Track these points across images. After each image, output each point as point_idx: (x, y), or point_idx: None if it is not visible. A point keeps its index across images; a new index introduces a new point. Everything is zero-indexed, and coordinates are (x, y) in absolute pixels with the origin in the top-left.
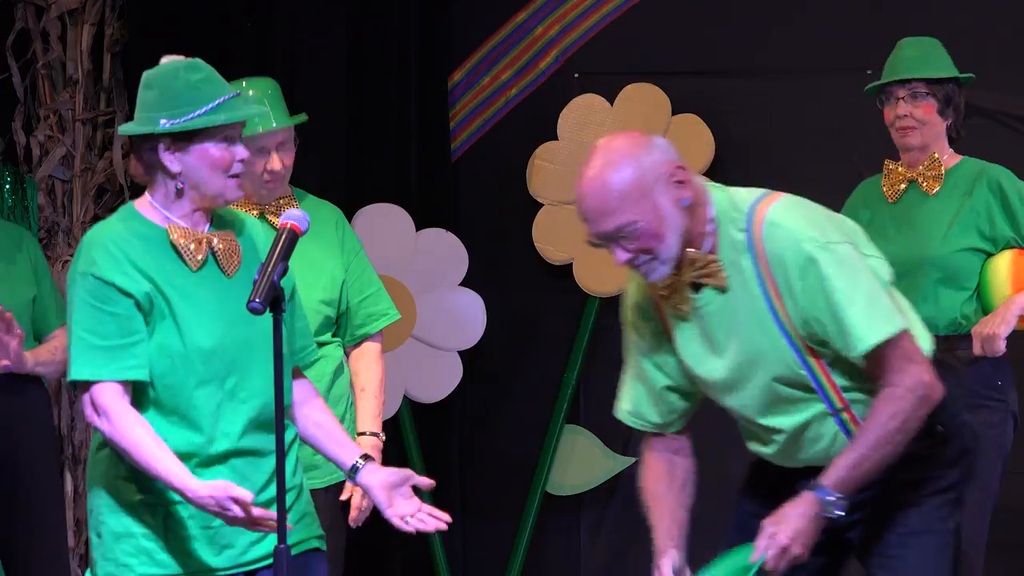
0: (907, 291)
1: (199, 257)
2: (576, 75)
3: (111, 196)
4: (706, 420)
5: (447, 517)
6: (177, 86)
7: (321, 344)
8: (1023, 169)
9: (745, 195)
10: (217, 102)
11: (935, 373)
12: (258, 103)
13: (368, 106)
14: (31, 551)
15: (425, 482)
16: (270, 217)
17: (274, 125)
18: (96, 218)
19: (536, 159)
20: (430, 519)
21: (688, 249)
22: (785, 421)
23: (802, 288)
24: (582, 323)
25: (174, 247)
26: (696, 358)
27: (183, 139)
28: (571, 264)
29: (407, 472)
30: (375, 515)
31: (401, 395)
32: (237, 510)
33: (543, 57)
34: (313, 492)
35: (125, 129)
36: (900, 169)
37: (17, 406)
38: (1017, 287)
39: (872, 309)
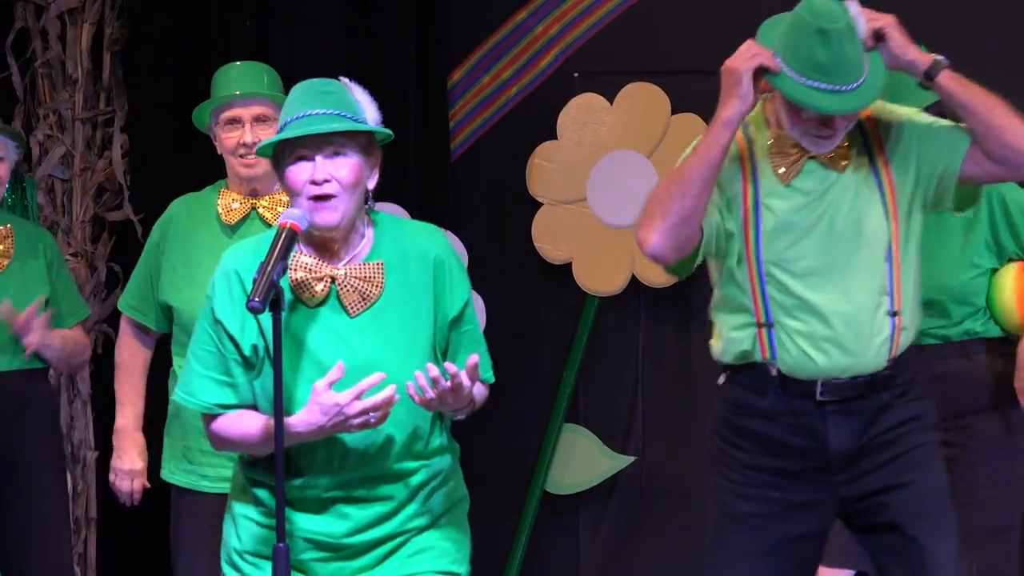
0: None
1: (317, 293)
2: (576, 74)
3: (110, 195)
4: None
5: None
6: (286, 106)
7: None
8: None
9: None
10: (287, 121)
11: None
12: (246, 75)
13: None
14: (32, 549)
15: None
16: (263, 212)
17: (236, 93)
18: (95, 217)
19: (535, 158)
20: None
21: None
22: (846, 303)
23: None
24: (581, 322)
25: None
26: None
27: (277, 163)
28: (570, 263)
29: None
30: None
31: None
32: (355, 406)
33: (543, 56)
34: None
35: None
36: None
37: (22, 398)
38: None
39: None
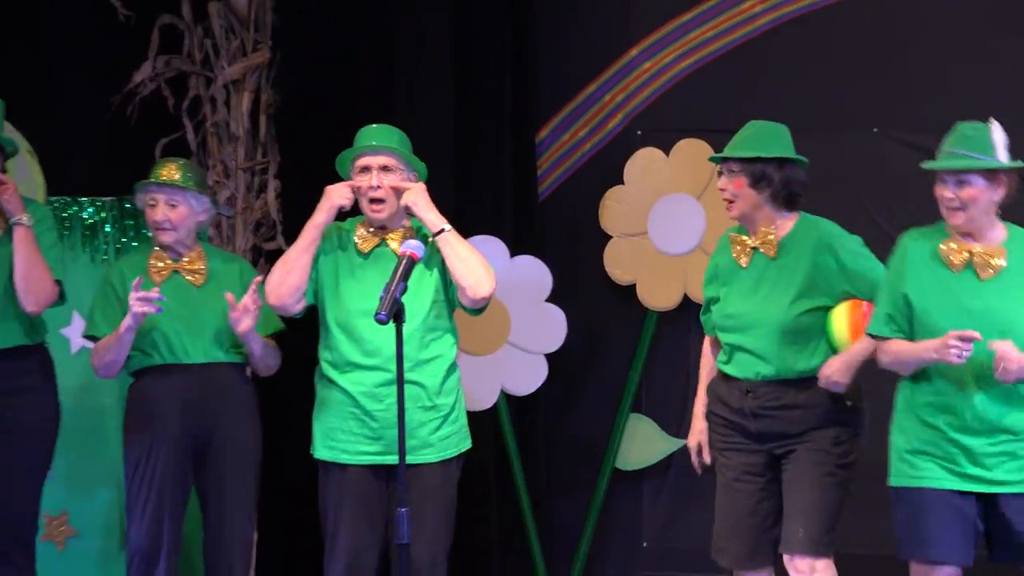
0: (755, 347)
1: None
2: (639, 132)
3: (266, 229)
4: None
5: None
6: None
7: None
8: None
9: None
10: None
11: None
12: (378, 133)
13: (472, 158)
14: (226, 527)
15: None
16: (391, 243)
17: (373, 143)
18: (254, 247)
19: (606, 200)
20: None
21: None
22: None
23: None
24: (643, 332)
25: None
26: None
27: None
28: (635, 285)
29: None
30: (471, 500)
31: (498, 390)
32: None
33: (611, 118)
34: (426, 466)
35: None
36: (747, 239)
37: (225, 388)
38: (856, 335)
39: None
